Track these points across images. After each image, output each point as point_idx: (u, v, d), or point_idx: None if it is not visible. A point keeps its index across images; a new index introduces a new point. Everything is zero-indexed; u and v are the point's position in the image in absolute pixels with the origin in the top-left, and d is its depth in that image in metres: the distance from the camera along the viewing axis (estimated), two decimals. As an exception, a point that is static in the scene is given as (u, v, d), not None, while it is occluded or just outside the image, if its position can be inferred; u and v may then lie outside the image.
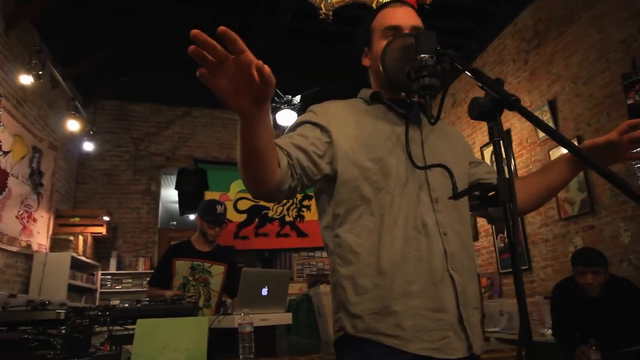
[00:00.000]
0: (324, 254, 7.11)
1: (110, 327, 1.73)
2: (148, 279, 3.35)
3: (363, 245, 0.95)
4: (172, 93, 6.47)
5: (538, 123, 0.61)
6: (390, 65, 0.99)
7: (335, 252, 1.00)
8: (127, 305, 1.81)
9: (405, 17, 1.09)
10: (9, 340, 1.54)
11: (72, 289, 4.88)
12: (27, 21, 4.39)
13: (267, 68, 0.67)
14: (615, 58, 3.65)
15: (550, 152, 4.28)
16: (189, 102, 6.78)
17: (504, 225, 1.12)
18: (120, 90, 6.21)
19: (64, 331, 1.70)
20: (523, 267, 4.50)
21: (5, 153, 4.12)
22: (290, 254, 6.92)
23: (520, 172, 4.67)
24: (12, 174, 4.25)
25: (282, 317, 2.04)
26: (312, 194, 6.17)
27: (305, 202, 6.91)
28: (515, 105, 0.64)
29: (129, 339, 1.64)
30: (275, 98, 4.90)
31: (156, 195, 6.51)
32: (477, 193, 1.13)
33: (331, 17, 2.15)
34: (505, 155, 0.67)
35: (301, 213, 6.86)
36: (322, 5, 2.17)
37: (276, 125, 5.14)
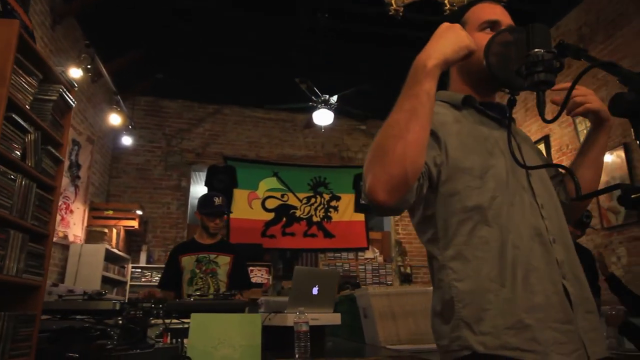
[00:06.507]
0: (350, 256, 7.05)
1: (165, 320, 1.74)
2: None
3: (483, 257, 0.90)
4: (204, 90, 6.53)
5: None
6: (495, 59, 0.95)
7: (448, 267, 0.93)
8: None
9: (504, 15, 1.06)
10: (74, 328, 1.56)
11: (104, 280, 4.96)
12: (71, 17, 4.49)
13: None
14: (667, 63, 3.53)
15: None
16: (220, 99, 6.84)
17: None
18: (154, 87, 6.30)
19: (120, 322, 1.72)
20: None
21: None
22: (315, 255, 6.89)
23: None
24: (52, 166, 4.33)
25: (332, 317, 2.01)
26: (339, 194, 6.10)
27: (333, 203, 6.87)
28: (669, 102, 0.60)
29: (185, 332, 1.64)
30: (313, 97, 4.89)
31: (186, 191, 6.58)
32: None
33: (401, 14, 2.11)
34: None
35: (329, 214, 6.82)
36: (392, 1, 2.14)
37: (312, 124, 5.14)
